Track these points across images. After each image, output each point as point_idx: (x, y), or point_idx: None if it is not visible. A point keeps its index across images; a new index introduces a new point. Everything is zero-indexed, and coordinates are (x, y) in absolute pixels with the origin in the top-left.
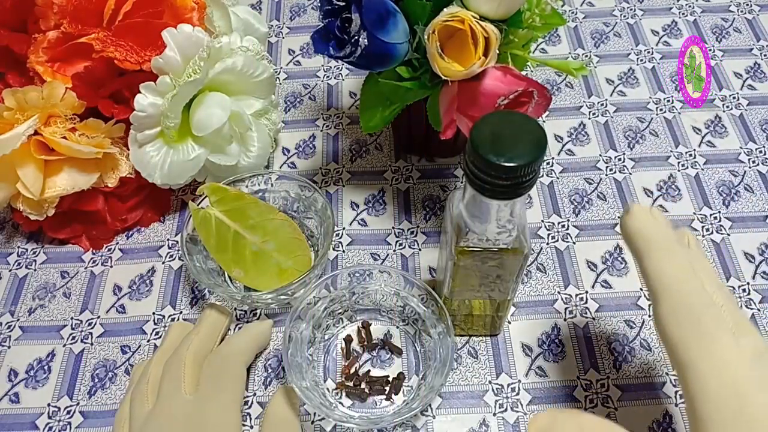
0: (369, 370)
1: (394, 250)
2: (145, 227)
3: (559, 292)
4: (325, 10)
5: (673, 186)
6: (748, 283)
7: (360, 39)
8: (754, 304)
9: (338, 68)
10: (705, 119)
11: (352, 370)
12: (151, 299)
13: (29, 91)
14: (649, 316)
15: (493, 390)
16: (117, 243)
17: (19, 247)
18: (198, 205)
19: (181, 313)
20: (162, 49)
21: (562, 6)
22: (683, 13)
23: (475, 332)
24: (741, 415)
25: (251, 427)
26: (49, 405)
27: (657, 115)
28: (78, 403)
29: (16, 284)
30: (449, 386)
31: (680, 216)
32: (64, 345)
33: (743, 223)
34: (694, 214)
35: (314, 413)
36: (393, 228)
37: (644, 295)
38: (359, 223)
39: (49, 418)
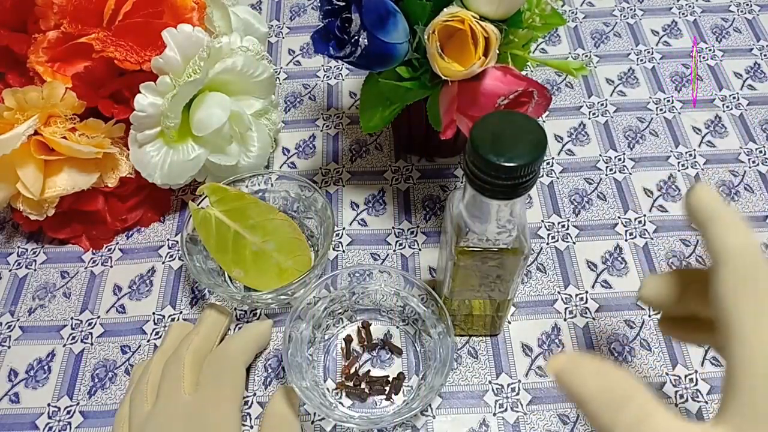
0: (369, 370)
1: (394, 250)
2: (145, 227)
3: (559, 292)
4: (325, 10)
5: (673, 186)
6: None
7: (360, 39)
8: None
9: (338, 68)
10: (705, 119)
11: (352, 370)
12: (151, 299)
13: (29, 91)
14: (649, 316)
15: (493, 390)
16: (117, 243)
17: (19, 247)
18: (198, 205)
19: (181, 313)
20: (162, 49)
21: (562, 6)
22: (683, 13)
23: (475, 332)
24: None
25: (251, 427)
26: (49, 405)
27: (657, 115)
28: (78, 403)
29: (16, 284)
30: (449, 386)
31: (680, 216)
32: (64, 345)
33: None
34: None
35: (314, 413)
36: (393, 228)
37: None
38: (359, 223)
39: (49, 418)
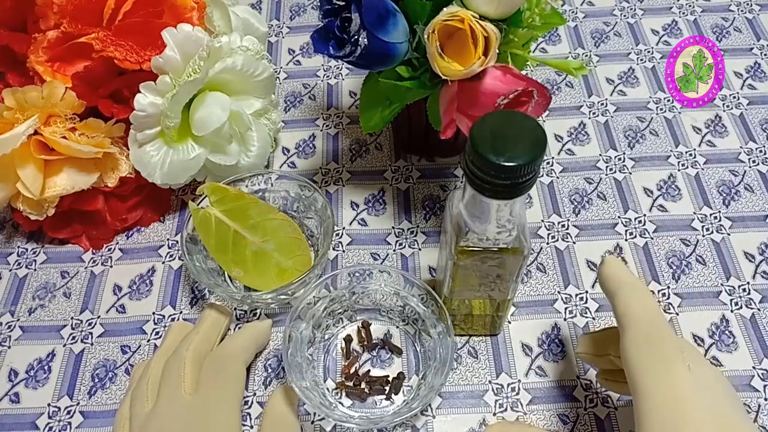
0: (369, 370)
1: (394, 250)
2: (145, 227)
3: (559, 292)
4: (325, 10)
5: (673, 186)
6: (748, 283)
7: (360, 39)
8: (754, 304)
9: (338, 68)
10: (705, 119)
11: (352, 370)
12: (151, 299)
13: (29, 90)
14: None
15: (493, 390)
16: (117, 243)
17: (19, 247)
18: (198, 204)
19: (181, 313)
20: (162, 48)
21: (562, 5)
22: (683, 13)
23: (475, 332)
24: (675, 429)
25: (251, 427)
26: (49, 405)
27: (657, 114)
28: (78, 403)
29: (16, 284)
30: (449, 386)
31: (680, 216)
32: (64, 345)
33: (743, 222)
34: (694, 213)
35: (314, 413)
36: (393, 228)
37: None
38: (359, 223)
39: (49, 418)
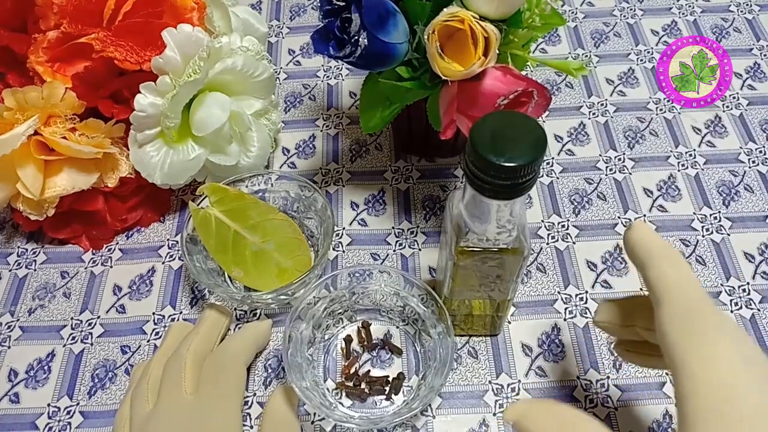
0: (369, 370)
1: (394, 250)
2: (145, 227)
3: (559, 292)
4: (325, 10)
5: (673, 186)
6: (748, 283)
7: (360, 39)
8: (754, 304)
9: (338, 68)
10: (705, 119)
11: (352, 370)
12: (151, 299)
13: (29, 91)
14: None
15: (493, 390)
16: (117, 243)
17: (19, 247)
18: (198, 205)
19: (181, 313)
20: (162, 49)
21: (562, 6)
22: (683, 13)
23: (475, 332)
24: (728, 416)
25: (251, 427)
26: (49, 405)
27: (657, 115)
28: (78, 403)
29: (16, 284)
30: (449, 386)
31: (680, 216)
32: (64, 345)
33: (743, 223)
34: (694, 214)
35: (314, 413)
36: (393, 228)
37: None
38: (359, 223)
39: (49, 418)
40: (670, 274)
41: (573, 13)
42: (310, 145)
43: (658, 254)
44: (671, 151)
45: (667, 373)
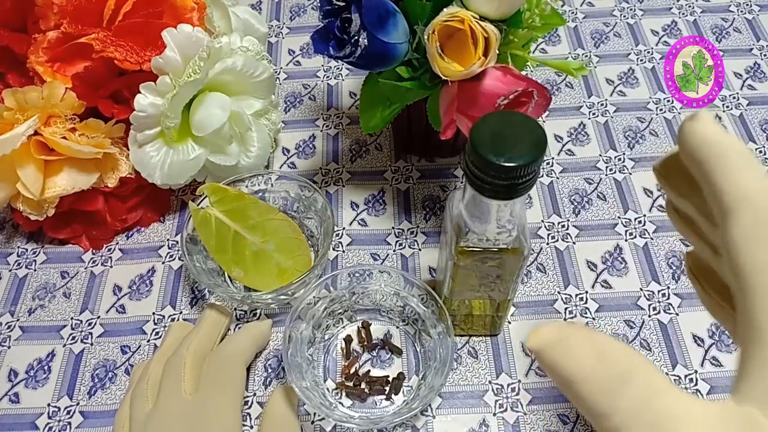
0: (369, 370)
1: (394, 250)
2: (145, 227)
3: (559, 292)
4: (325, 10)
5: None
6: None
7: (360, 39)
8: None
9: (338, 68)
10: None
11: (352, 370)
12: (151, 299)
13: (29, 91)
14: (649, 316)
15: (493, 390)
16: (117, 243)
17: (19, 247)
18: (198, 205)
19: (181, 313)
20: (162, 49)
21: (562, 6)
22: (683, 13)
23: (475, 332)
24: None
25: (251, 427)
26: (49, 405)
27: (657, 115)
28: (78, 403)
29: (16, 284)
30: (449, 386)
31: None
32: (64, 345)
33: None
34: None
35: (314, 413)
36: (393, 228)
37: (644, 295)
38: (359, 223)
39: (49, 418)
40: (749, 180)
41: (573, 13)
42: (310, 145)
43: (733, 156)
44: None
45: (667, 374)
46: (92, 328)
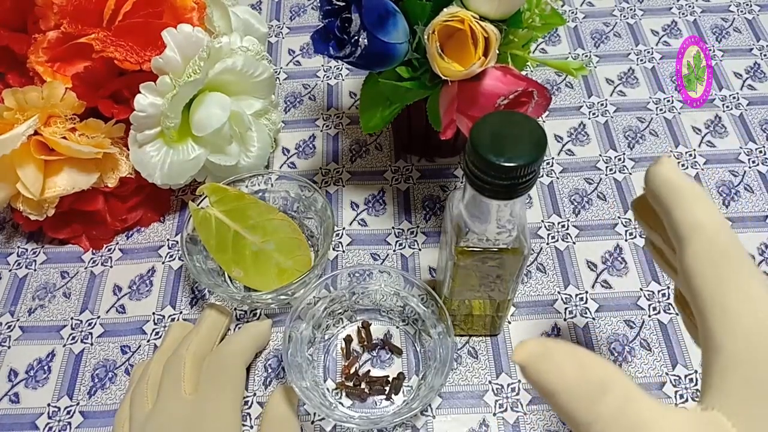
0: (369, 370)
1: (394, 250)
2: (145, 227)
3: (559, 292)
4: (325, 10)
5: None
6: None
7: (360, 39)
8: None
9: (338, 68)
10: (705, 119)
11: (352, 370)
12: (151, 299)
13: (29, 91)
14: (649, 316)
15: (493, 390)
16: (117, 243)
17: (19, 247)
18: (198, 205)
19: (181, 313)
20: (162, 49)
21: (562, 6)
22: (683, 13)
23: (475, 332)
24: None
25: (251, 427)
26: (49, 405)
27: (657, 115)
28: (78, 403)
29: (16, 284)
30: (449, 386)
31: None
32: (64, 345)
33: (743, 223)
34: None
35: (314, 413)
36: (393, 228)
37: (644, 295)
38: (359, 223)
39: (49, 418)
40: (699, 210)
41: (573, 13)
42: (310, 145)
43: (685, 191)
44: (671, 151)
45: (666, 373)
46: (92, 328)
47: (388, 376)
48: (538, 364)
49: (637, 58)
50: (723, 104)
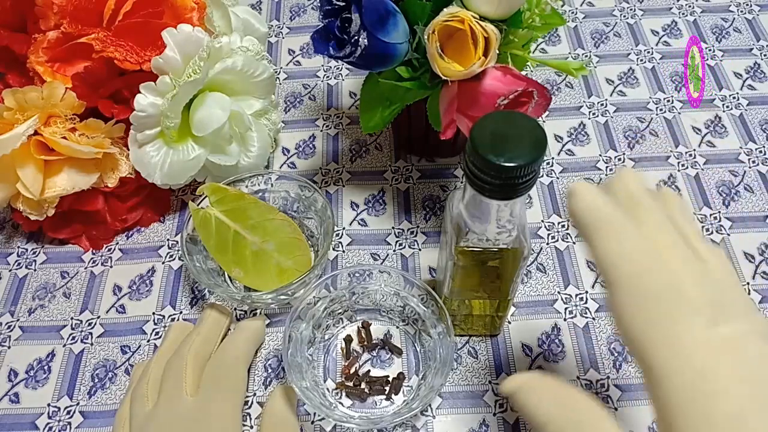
0: (369, 370)
1: (394, 250)
2: (145, 227)
3: (559, 292)
4: (325, 10)
5: (673, 186)
6: (748, 283)
7: (360, 39)
8: (755, 304)
9: (338, 68)
10: (705, 119)
11: (352, 370)
12: (151, 299)
13: (29, 91)
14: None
15: (493, 390)
16: (117, 243)
17: (19, 247)
18: (198, 205)
19: (181, 313)
20: (162, 49)
21: (562, 6)
22: (683, 13)
23: (475, 332)
24: (711, 417)
25: (251, 427)
26: (49, 405)
27: (657, 115)
28: (78, 403)
29: (16, 284)
30: (449, 386)
31: None
32: (64, 345)
33: (743, 223)
34: (694, 214)
35: (314, 413)
36: (393, 228)
37: None
38: (359, 223)
39: (49, 418)
40: (614, 248)
41: (573, 13)
42: (310, 145)
43: (603, 225)
44: (671, 151)
45: None
46: (92, 328)
47: (388, 376)
48: (525, 397)
49: (637, 58)
50: (723, 104)
